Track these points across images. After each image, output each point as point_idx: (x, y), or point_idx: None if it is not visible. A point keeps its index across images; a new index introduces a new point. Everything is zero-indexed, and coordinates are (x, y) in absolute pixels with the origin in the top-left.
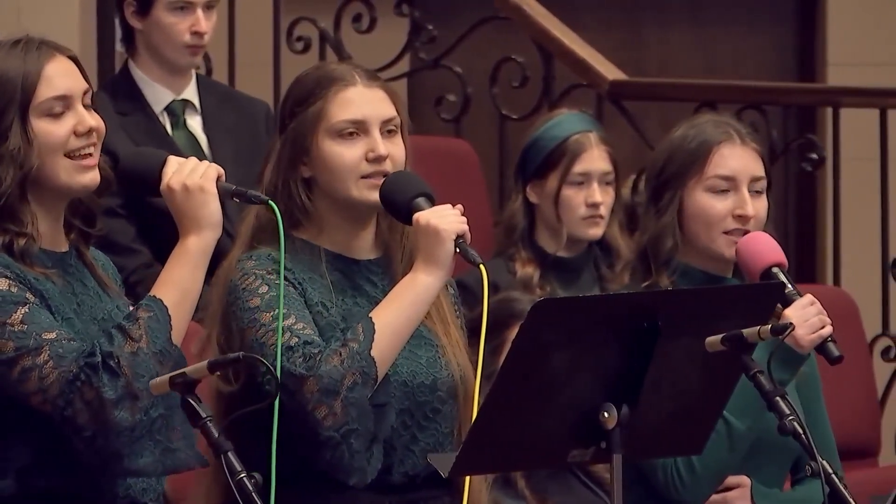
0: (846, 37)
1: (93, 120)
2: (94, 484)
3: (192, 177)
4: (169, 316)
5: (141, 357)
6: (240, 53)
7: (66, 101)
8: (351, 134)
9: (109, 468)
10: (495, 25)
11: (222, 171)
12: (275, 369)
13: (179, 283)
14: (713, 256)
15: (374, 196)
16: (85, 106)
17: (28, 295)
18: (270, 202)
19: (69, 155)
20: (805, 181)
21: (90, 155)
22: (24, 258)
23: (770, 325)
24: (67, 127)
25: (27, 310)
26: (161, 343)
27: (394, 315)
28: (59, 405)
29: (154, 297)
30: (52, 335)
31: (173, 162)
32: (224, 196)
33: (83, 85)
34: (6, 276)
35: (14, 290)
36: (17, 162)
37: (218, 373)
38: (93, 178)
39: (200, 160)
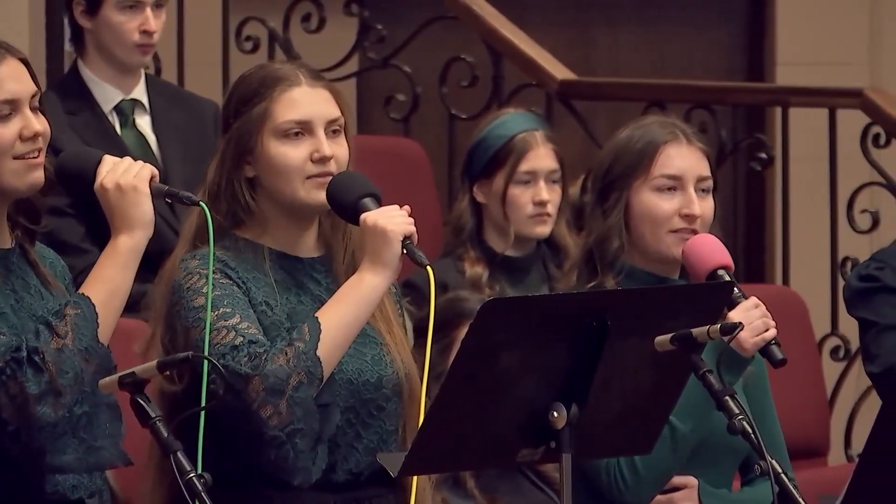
0: (795, 37)
1: (39, 124)
2: (21, 479)
3: (125, 176)
4: (96, 314)
5: (66, 354)
6: (189, 53)
7: (13, 104)
8: (296, 134)
9: (33, 464)
10: (444, 25)
11: (156, 171)
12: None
13: (108, 281)
14: (659, 257)
15: (321, 196)
16: (32, 109)
17: None
18: (202, 203)
19: (15, 157)
20: (754, 181)
21: (36, 157)
22: None
23: (719, 325)
24: (13, 131)
25: None
26: (87, 340)
27: (340, 315)
28: None
29: (82, 294)
30: None
31: (108, 161)
32: (157, 196)
33: (32, 88)
34: None
35: None
36: None
37: (167, 372)
38: (38, 177)
39: (149, 160)
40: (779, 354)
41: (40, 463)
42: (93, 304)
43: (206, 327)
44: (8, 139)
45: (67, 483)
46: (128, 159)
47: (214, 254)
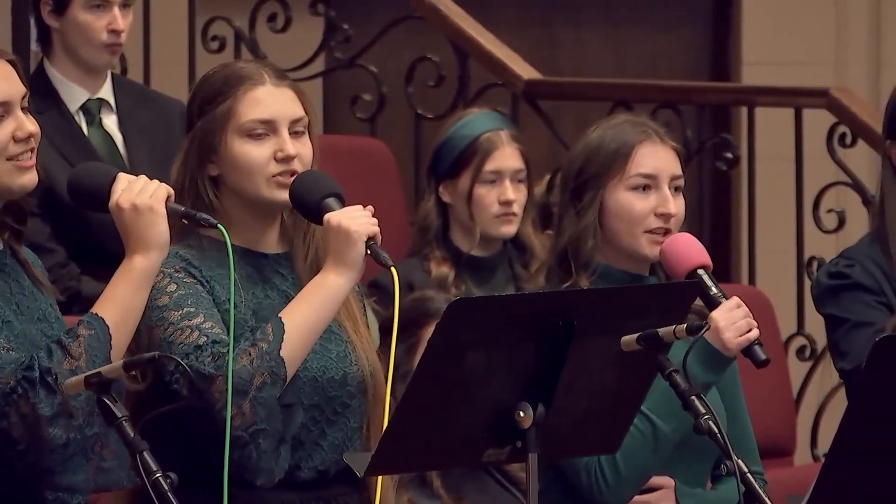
0: (761, 36)
1: (32, 125)
2: (24, 492)
3: (141, 196)
4: (110, 335)
5: (78, 375)
6: (155, 53)
7: (5, 106)
8: (260, 133)
9: (40, 482)
10: (411, 25)
11: (172, 191)
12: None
13: (122, 302)
14: (633, 256)
15: (284, 195)
16: (23, 109)
17: None
18: (219, 225)
19: (8, 159)
20: (720, 180)
21: (29, 157)
22: None
23: (686, 325)
24: (7, 132)
25: None
26: (100, 362)
27: (303, 315)
28: None
29: (96, 314)
30: None
31: (123, 179)
32: (173, 217)
33: (21, 89)
34: None
35: None
36: None
37: (133, 372)
38: (31, 178)
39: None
40: (762, 355)
41: (47, 482)
42: (106, 325)
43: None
44: (1, 141)
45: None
46: (143, 178)
47: (178, 253)
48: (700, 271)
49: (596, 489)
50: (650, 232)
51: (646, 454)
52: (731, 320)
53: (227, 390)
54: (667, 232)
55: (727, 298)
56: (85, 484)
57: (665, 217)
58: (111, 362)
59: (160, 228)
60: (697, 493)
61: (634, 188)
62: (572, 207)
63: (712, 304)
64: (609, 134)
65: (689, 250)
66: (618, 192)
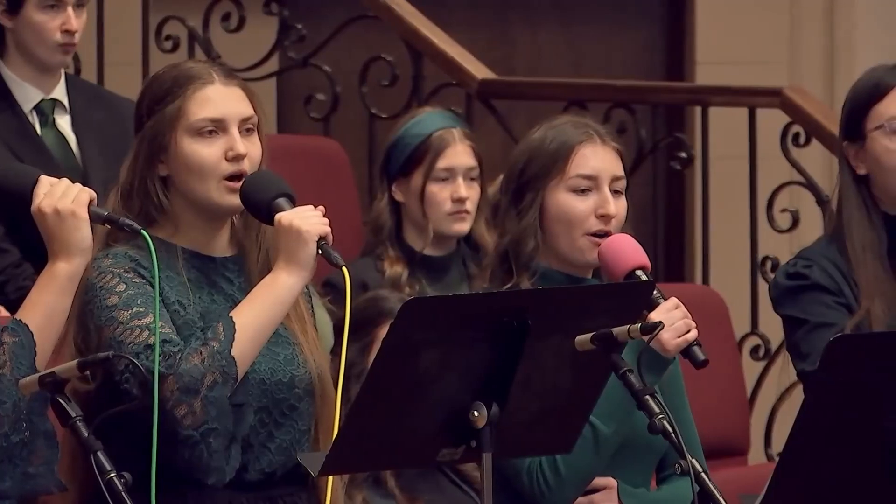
0: (714, 36)
1: None
2: None
3: (63, 201)
4: (34, 341)
5: (4, 383)
6: (108, 52)
7: None
8: (210, 132)
9: None
10: (364, 24)
11: (94, 195)
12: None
13: (46, 307)
14: (574, 258)
15: (234, 200)
16: None
17: None
18: (143, 231)
19: None
20: (674, 180)
21: None
22: None
23: (640, 325)
24: None
25: None
26: (25, 369)
27: (254, 315)
28: None
29: (20, 321)
30: None
31: (45, 183)
32: (95, 221)
33: None
34: None
35: None
36: None
37: (87, 371)
38: None
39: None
40: (700, 355)
41: None
42: (31, 332)
43: (156, 339)
44: None
45: None
46: (65, 181)
47: (127, 253)
48: (638, 272)
49: (538, 492)
50: (590, 234)
51: (587, 456)
52: (669, 321)
53: (153, 392)
54: (607, 234)
55: (665, 299)
56: (12, 491)
57: (605, 219)
58: (36, 369)
59: (83, 233)
60: (640, 493)
61: (574, 189)
62: (513, 208)
63: (651, 305)
64: (550, 134)
65: (627, 251)
66: (558, 193)
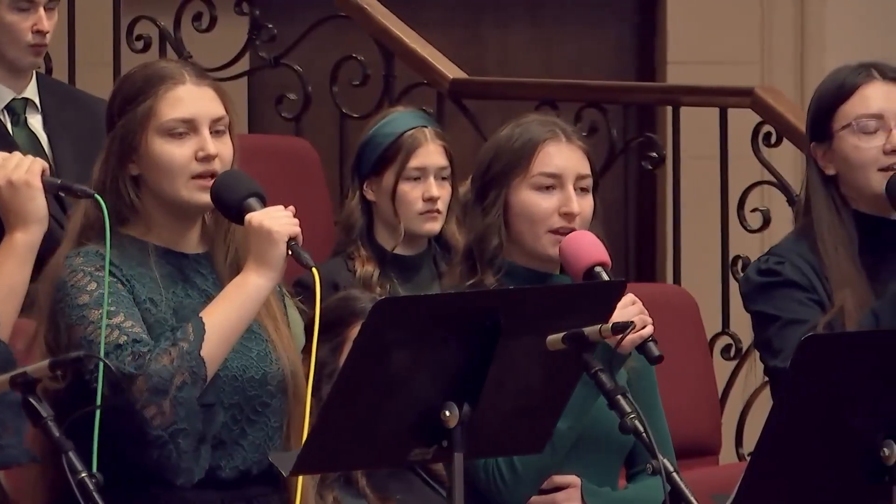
0: (685, 36)
1: None
2: None
3: (16, 172)
4: None
5: None
6: (80, 52)
7: None
8: (181, 133)
9: None
10: (336, 24)
11: (47, 165)
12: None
13: (6, 278)
14: (538, 255)
15: (204, 198)
16: None
17: None
18: (97, 196)
19: None
20: (645, 180)
21: None
22: None
23: (611, 324)
24: None
25: None
26: None
27: (224, 315)
28: None
29: None
30: None
31: None
32: (50, 190)
33: None
34: None
35: None
36: None
37: (59, 371)
38: None
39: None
40: (655, 351)
41: None
42: None
43: (103, 328)
44: None
45: None
46: (17, 154)
47: (98, 252)
48: (598, 269)
49: (494, 488)
50: (553, 231)
51: (542, 453)
52: (624, 317)
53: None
54: (570, 231)
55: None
56: None
57: (568, 216)
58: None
59: (38, 202)
60: (604, 493)
61: (538, 187)
62: (478, 205)
63: None
64: (516, 132)
65: (587, 248)
66: (521, 190)
